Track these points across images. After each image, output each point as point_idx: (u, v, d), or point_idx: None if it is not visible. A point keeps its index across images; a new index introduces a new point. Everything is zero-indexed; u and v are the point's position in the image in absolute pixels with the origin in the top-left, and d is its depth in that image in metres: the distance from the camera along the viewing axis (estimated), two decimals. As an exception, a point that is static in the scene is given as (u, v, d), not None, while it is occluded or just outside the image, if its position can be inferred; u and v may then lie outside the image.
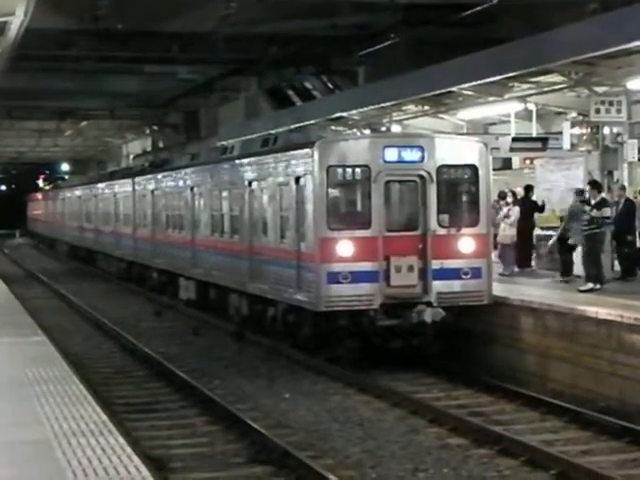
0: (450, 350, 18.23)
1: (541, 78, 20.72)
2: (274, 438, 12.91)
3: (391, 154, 18.29)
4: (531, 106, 22.31)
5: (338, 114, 28.13)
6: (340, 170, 18.22)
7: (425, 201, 18.35)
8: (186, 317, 26.52)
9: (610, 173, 22.03)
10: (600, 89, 20.45)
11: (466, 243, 18.51)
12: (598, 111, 20.25)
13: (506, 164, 27.35)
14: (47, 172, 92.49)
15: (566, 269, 20.97)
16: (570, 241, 20.59)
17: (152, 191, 32.30)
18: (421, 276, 18.15)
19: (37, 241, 74.74)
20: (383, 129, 27.30)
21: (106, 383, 17.70)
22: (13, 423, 10.80)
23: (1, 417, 11.09)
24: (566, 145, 21.68)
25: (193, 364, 19.48)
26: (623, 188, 21.13)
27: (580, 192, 21.12)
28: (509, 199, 23.27)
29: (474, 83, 21.41)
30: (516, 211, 22.66)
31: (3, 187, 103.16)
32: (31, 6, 15.87)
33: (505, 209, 22.87)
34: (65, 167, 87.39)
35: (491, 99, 22.88)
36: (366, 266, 17.89)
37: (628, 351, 14.88)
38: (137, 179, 35.19)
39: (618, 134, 21.58)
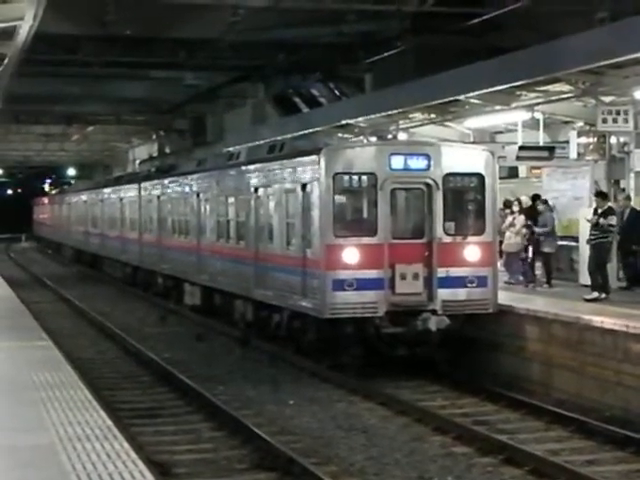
0: (455, 358, 18.21)
1: (548, 87, 20.68)
2: (278, 444, 12.91)
3: (397, 162, 18.29)
4: (538, 115, 22.28)
5: (344, 121, 28.12)
6: (346, 177, 18.22)
7: (431, 209, 18.35)
8: (191, 323, 26.52)
9: (617, 182, 22.01)
10: (607, 99, 20.42)
11: (472, 251, 18.50)
12: (605, 121, 20.21)
13: (513, 173, 27.33)
14: (53, 176, 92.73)
15: (548, 277, 21.71)
16: (546, 249, 21.76)
17: (158, 196, 32.32)
18: (426, 284, 18.14)
19: (43, 245, 74.77)
20: (389, 137, 27.27)
21: (111, 388, 17.71)
22: (18, 427, 10.79)
23: (6, 421, 11.09)
24: (573, 154, 21.65)
25: (197, 369, 19.48)
26: (628, 198, 21.16)
27: (545, 202, 22.11)
28: (515, 208, 23.25)
29: (481, 91, 21.39)
30: (521, 220, 22.65)
31: (9, 191, 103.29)
32: (40, 11, 15.90)
33: (510, 217, 22.87)
34: (71, 171, 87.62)
35: (498, 108, 22.85)
36: (371, 273, 17.89)
37: (634, 361, 14.86)
38: (143, 184, 35.22)
39: (625, 144, 21.56)
